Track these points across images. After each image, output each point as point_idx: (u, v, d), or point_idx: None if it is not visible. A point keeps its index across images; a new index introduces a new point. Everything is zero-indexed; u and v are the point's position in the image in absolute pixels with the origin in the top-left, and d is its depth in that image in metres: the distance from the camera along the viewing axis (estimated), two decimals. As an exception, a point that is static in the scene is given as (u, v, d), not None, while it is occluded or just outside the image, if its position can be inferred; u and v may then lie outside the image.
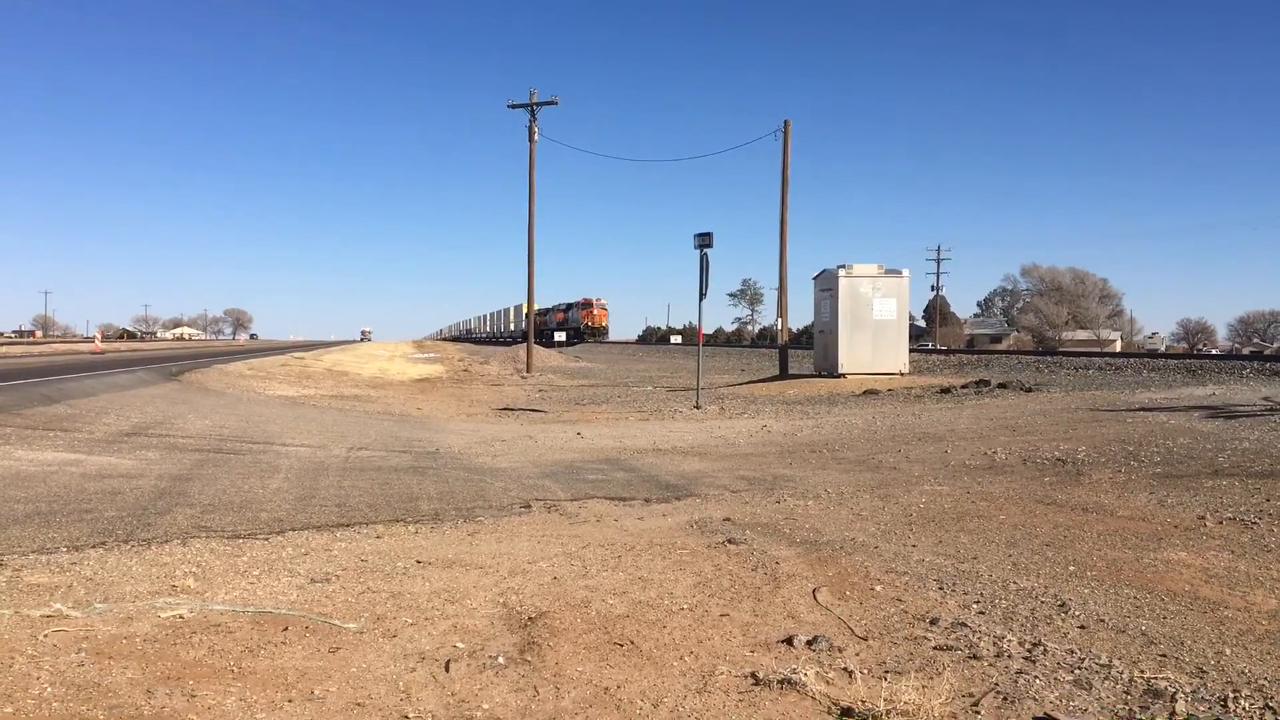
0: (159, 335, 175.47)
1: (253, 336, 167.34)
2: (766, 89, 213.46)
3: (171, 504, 7.50)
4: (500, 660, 3.91)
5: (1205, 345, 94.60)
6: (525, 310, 39.34)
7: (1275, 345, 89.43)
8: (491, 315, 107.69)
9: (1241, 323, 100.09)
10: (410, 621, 4.42)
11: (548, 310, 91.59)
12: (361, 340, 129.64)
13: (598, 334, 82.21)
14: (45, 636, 4.04)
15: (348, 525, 6.83)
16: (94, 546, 5.94)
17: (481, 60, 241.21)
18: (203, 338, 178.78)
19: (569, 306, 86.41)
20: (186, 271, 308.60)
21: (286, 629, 4.26)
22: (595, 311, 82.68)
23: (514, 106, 35.92)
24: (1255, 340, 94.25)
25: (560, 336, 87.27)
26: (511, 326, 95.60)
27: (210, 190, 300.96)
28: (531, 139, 35.60)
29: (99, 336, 70.88)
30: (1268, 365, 19.45)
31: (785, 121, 28.49)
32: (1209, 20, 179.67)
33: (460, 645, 4.09)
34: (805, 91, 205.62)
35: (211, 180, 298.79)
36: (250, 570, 5.37)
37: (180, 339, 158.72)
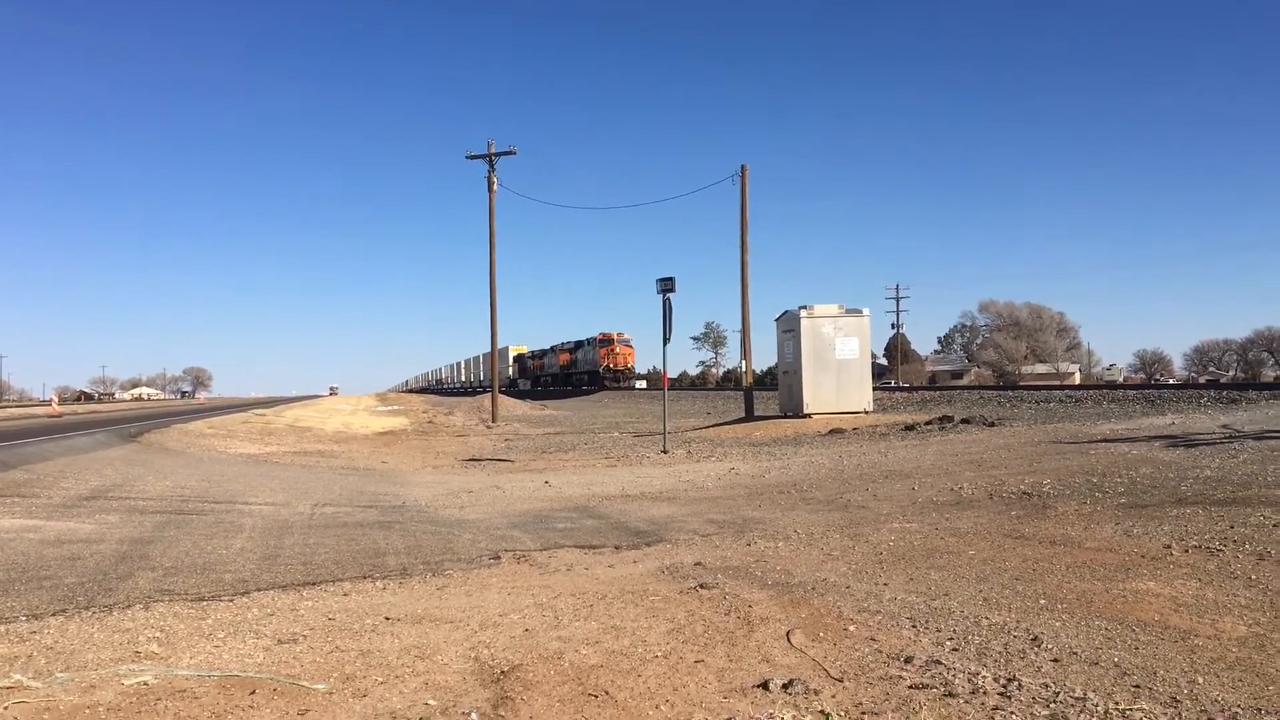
0: (117, 396, 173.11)
1: (183, 395, 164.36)
2: (723, 133, 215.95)
3: (133, 568, 7.36)
4: (474, 717, 3.85)
5: (1162, 375, 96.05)
6: (491, 358, 39.22)
7: (1231, 374, 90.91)
8: (466, 363, 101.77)
9: (1197, 352, 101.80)
10: (380, 680, 4.35)
11: (544, 352, 77.60)
12: (330, 395, 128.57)
13: (622, 378, 63.79)
14: (5, 709, 3.93)
15: (314, 584, 6.72)
16: (54, 614, 5.81)
17: (440, 111, 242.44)
18: (162, 397, 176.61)
19: (578, 345, 69.79)
20: (144, 331, 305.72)
21: (254, 692, 4.18)
22: (618, 349, 63.96)
23: (472, 157, 36.17)
24: (1211, 369, 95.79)
25: (522, 385, 78.07)
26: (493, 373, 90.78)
27: (166, 249, 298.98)
28: (491, 189, 35.79)
29: (56, 399, 69.82)
30: (1225, 394, 19.76)
31: (742, 166, 28.89)
32: (1161, 53, 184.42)
33: (432, 702, 4.03)
34: (762, 134, 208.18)
35: (167, 239, 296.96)
36: (215, 633, 5.27)
37: (139, 399, 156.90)
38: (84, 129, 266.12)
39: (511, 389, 76.52)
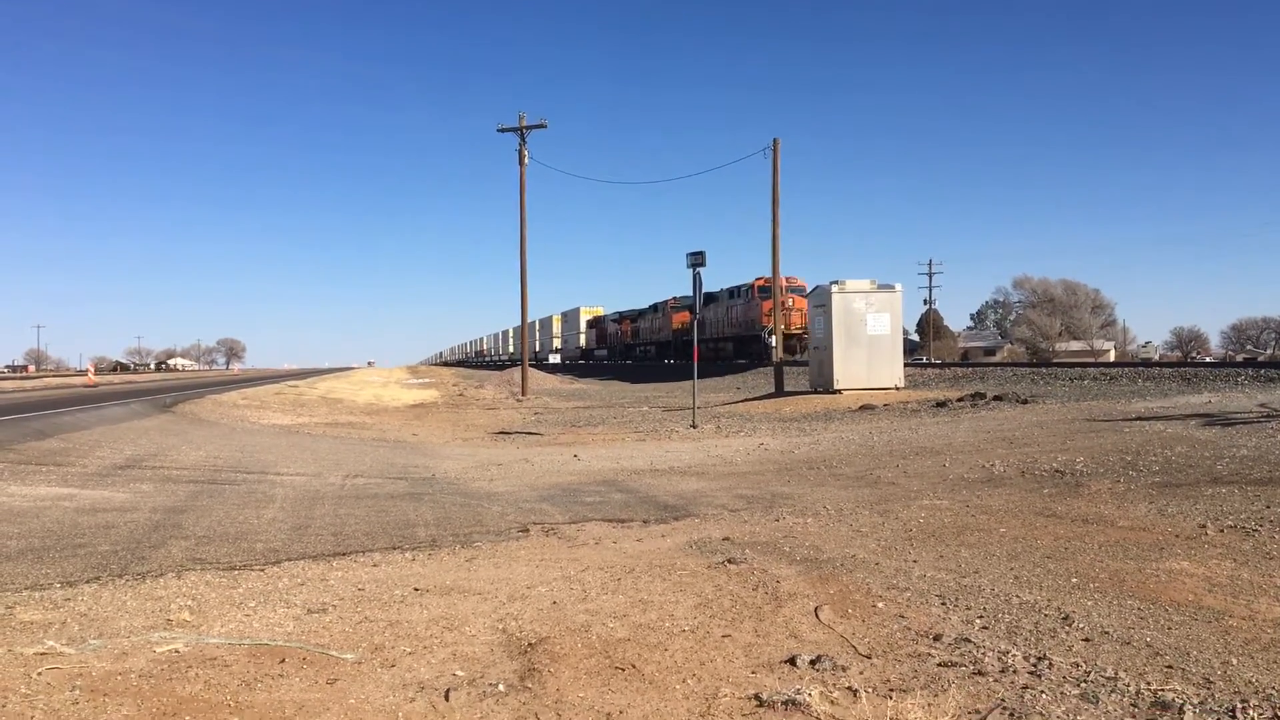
0: (152, 366, 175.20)
1: (160, 366, 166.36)
2: (757, 106, 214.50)
3: (166, 537, 7.44)
4: (500, 688, 3.86)
5: (1199, 353, 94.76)
6: (521, 330, 39.19)
7: (1269, 352, 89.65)
8: (511, 331, 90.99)
9: (1235, 330, 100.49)
10: (409, 650, 4.37)
11: (639, 314, 59.03)
12: (368, 367, 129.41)
13: (799, 348, 38.46)
14: (39, 674, 3.99)
15: (344, 554, 6.77)
16: (88, 582, 5.89)
17: (473, 84, 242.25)
18: (195, 368, 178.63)
19: (711, 299, 44.53)
20: (179, 302, 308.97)
21: (284, 661, 4.21)
22: (791, 302, 37.88)
23: (504, 130, 36.02)
24: (1249, 347, 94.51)
25: (573, 358, 71.75)
26: (558, 343, 79.01)
27: (202, 220, 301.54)
28: (521, 162, 35.70)
29: (92, 369, 70.71)
30: (1262, 372, 19.45)
31: (774, 140, 28.48)
32: (1199, 27, 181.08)
33: (460, 673, 4.04)
34: (795, 108, 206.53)
35: (203, 210, 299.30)
36: (246, 602, 5.31)
37: (174, 370, 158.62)
38: (124, 99, 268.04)
39: (582, 363, 68.15)
